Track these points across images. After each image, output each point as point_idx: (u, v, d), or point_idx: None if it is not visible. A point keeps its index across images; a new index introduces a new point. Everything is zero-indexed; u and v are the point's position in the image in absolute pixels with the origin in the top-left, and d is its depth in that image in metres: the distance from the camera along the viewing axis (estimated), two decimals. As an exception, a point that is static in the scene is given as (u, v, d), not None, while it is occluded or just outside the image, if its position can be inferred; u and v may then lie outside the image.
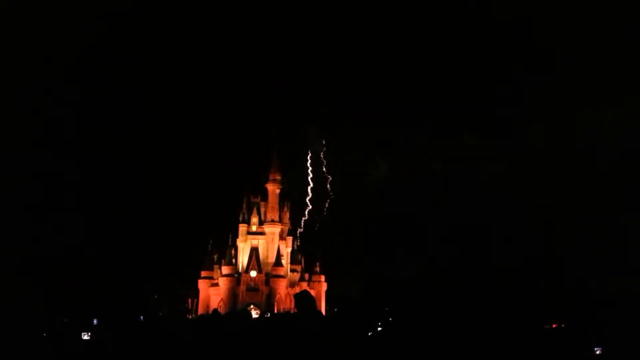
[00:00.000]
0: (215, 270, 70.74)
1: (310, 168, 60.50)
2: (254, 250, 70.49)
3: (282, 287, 68.86)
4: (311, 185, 61.55)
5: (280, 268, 69.68)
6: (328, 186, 60.88)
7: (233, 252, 70.93)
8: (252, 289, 68.17)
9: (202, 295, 70.53)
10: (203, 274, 71.04)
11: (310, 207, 61.60)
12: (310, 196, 61.28)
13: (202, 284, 70.76)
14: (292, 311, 59.10)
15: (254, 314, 64.77)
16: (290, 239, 73.47)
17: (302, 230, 67.62)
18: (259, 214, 72.86)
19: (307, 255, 73.02)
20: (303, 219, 63.14)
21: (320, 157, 61.26)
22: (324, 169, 60.65)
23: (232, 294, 68.11)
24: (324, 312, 66.43)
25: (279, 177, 73.59)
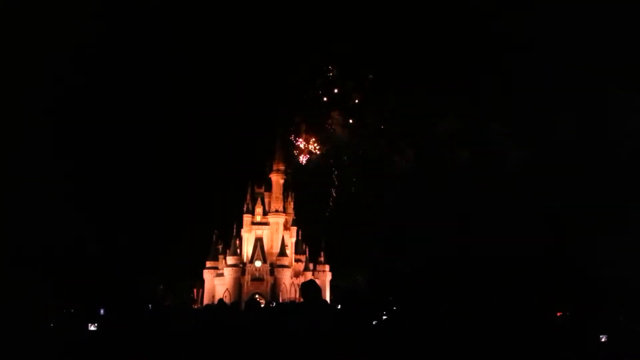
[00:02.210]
0: (220, 260, 71.15)
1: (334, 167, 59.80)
2: (259, 241, 70.82)
3: (286, 277, 69.25)
4: (336, 182, 60.94)
5: (284, 258, 70.00)
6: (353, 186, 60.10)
7: (237, 242, 71.28)
8: (257, 278, 68.58)
9: (207, 286, 71.02)
10: (208, 264, 71.48)
11: (332, 204, 61.04)
12: (334, 196, 60.68)
13: (207, 274, 71.21)
14: (297, 300, 59.53)
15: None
16: (294, 229, 73.73)
17: (324, 234, 67.44)
18: (263, 204, 73.11)
19: (311, 245, 73.29)
20: (326, 213, 62.55)
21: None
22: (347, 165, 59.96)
23: (237, 284, 68.59)
24: (328, 301, 66.81)
25: (282, 167, 73.66)
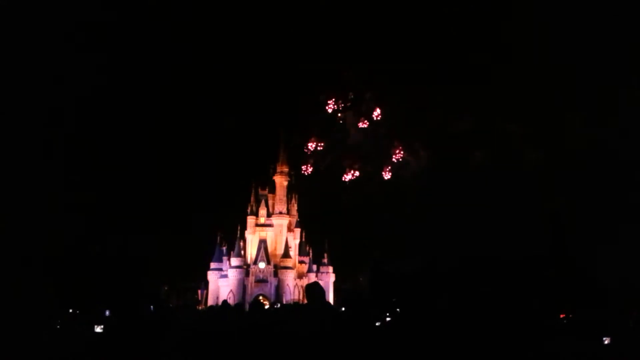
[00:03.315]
0: (224, 262, 71.35)
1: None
2: (262, 242, 70.97)
3: (290, 278, 69.38)
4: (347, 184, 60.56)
5: (288, 260, 70.13)
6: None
7: (241, 244, 71.49)
8: (261, 280, 68.78)
9: (211, 287, 71.23)
10: (212, 265, 71.70)
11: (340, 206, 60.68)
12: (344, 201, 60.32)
13: (211, 276, 71.42)
14: (300, 302, 59.59)
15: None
16: (298, 230, 73.83)
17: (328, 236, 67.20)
18: (267, 206, 73.29)
19: (315, 246, 73.34)
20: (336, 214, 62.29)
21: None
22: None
23: (241, 286, 68.77)
24: (332, 303, 66.80)
25: (286, 170, 73.79)
